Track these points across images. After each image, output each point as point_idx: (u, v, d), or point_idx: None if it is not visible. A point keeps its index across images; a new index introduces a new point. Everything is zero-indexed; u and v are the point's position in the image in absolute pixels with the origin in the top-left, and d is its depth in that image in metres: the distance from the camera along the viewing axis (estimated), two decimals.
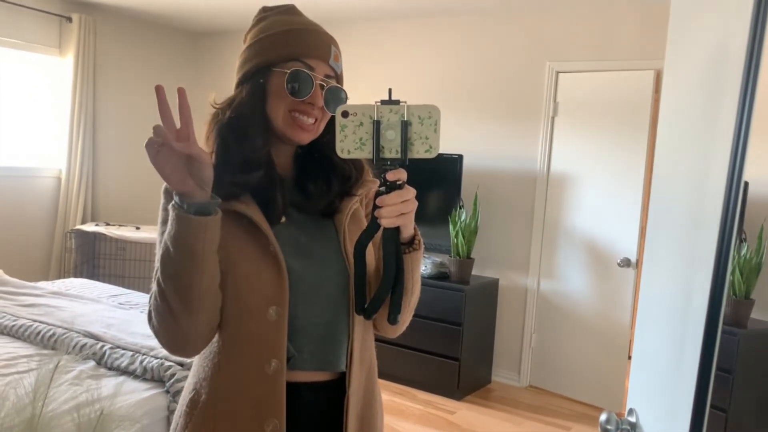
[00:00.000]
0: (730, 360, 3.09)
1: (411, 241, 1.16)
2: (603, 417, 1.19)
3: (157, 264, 1.06)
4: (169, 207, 1.02)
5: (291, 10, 1.23)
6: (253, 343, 1.13)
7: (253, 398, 1.13)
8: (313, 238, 1.21)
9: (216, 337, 1.16)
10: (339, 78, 1.22)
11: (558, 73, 4.32)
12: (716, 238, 0.86)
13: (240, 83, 1.20)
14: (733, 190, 0.84)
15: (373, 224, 1.08)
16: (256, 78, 1.17)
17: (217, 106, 1.22)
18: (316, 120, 1.18)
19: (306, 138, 1.18)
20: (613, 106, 4.10)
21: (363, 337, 1.24)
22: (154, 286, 1.07)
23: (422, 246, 1.19)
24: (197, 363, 1.21)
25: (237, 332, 1.14)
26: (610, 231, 4.15)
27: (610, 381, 4.14)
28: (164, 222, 1.08)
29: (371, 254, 1.20)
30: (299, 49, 1.16)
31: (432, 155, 1.04)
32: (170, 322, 1.06)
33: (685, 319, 0.98)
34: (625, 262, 4.05)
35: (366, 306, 1.14)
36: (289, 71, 1.14)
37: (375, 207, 1.05)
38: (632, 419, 1.18)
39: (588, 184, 4.24)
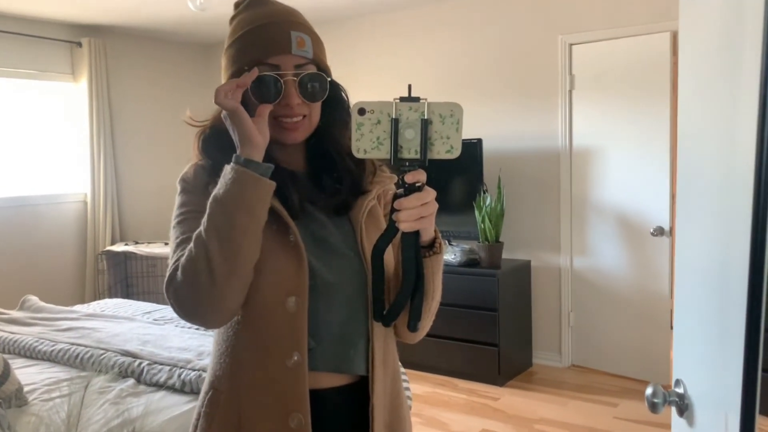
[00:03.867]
0: None
1: (431, 244, 1.11)
2: (649, 390, 1.14)
3: (202, 227, 1.04)
4: (229, 168, 1.04)
5: (253, 2, 1.17)
6: (272, 336, 1.10)
7: (276, 392, 1.11)
8: (330, 234, 1.18)
9: (234, 332, 1.14)
10: (318, 61, 1.15)
11: (571, 45, 4.23)
12: (751, 195, 0.81)
13: None
14: (765, 143, 0.79)
15: (391, 228, 1.04)
16: None
17: (196, 124, 1.20)
18: (304, 116, 1.13)
19: (299, 137, 1.15)
20: (631, 72, 4.00)
21: (384, 340, 1.19)
22: (189, 249, 1.04)
23: (443, 249, 1.14)
24: (214, 361, 1.19)
25: (256, 324, 1.11)
26: (640, 200, 4.06)
27: (653, 353, 4.05)
28: (182, 205, 1.13)
29: (390, 255, 1.16)
30: (257, 51, 1.10)
31: (453, 156, 0.99)
32: (205, 285, 1.02)
33: (726, 284, 0.93)
34: (659, 231, 3.95)
35: (385, 313, 1.10)
36: (251, 82, 1.07)
37: (393, 210, 1.01)
38: (680, 390, 1.14)
39: (613, 155, 4.16)
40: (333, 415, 1.16)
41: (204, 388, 1.20)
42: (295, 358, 1.09)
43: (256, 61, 1.10)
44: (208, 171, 1.15)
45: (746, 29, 0.89)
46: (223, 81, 1.17)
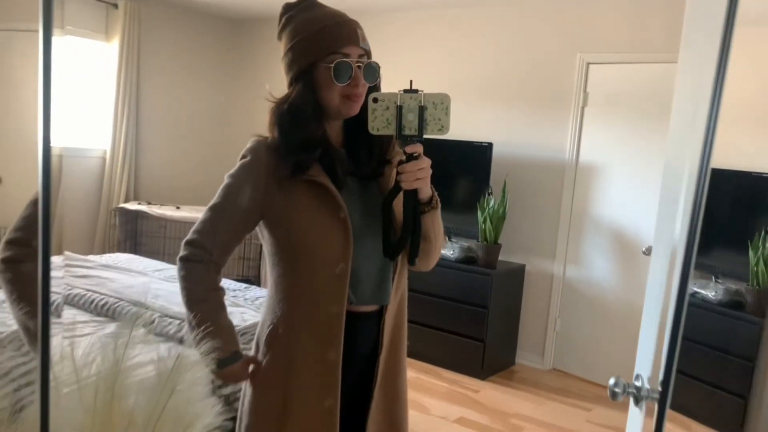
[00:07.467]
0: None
1: (430, 201, 1.43)
2: (612, 380, 1.33)
3: (190, 314, 1.49)
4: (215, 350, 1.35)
5: (314, 4, 1.47)
6: (321, 292, 1.44)
7: (319, 334, 1.43)
8: (366, 202, 1.49)
9: (290, 285, 1.45)
10: (369, 53, 1.46)
11: (588, 63, 4.40)
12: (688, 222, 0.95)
13: (292, 81, 1.46)
14: (702, 176, 0.89)
15: (396, 187, 1.38)
16: (306, 76, 1.42)
17: (273, 100, 1.47)
18: (361, 93, 1.44)
19: (356, 108, 1.44)
20: (642, 97, 4.17)
21: (400, 276, 1.53)
22: (188, 299, 1.50)
23: (439, 204, 1.46)
24: (271, 304, 1.50)
25: (309, 282, 1.44)
26: (636, 220, 4.24)
27: (632, 366, 4.23)
28: (232, 176, 1.46)
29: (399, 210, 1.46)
30: (334, 43, 1.40)
31: (443, 133, 1.33)
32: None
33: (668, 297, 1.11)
34: (650, 251, 4.13)
35: (391, 251, 1.44)
36: (332, 65, 1.38)
37: (398, 174, 1.34)
38: (638, 383, 1.32)
39: (615, 174, 4.33)
40: (364, 337, 1.51)
41: (264, 323, 1.52)
42: (336, 309, 1.43)
43: (333, 48, 1.39)
44: (271, 147, 1.44)
45: (706, 73, 0.97)
46: (289, 65, 1.45)
